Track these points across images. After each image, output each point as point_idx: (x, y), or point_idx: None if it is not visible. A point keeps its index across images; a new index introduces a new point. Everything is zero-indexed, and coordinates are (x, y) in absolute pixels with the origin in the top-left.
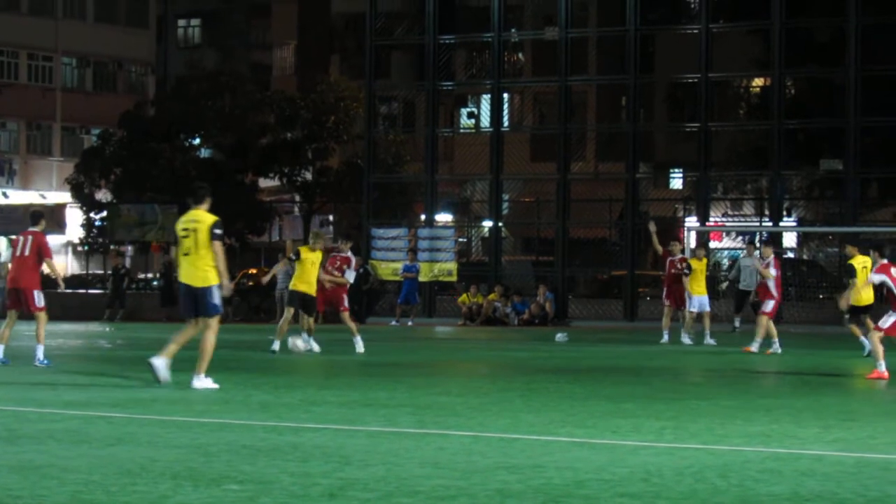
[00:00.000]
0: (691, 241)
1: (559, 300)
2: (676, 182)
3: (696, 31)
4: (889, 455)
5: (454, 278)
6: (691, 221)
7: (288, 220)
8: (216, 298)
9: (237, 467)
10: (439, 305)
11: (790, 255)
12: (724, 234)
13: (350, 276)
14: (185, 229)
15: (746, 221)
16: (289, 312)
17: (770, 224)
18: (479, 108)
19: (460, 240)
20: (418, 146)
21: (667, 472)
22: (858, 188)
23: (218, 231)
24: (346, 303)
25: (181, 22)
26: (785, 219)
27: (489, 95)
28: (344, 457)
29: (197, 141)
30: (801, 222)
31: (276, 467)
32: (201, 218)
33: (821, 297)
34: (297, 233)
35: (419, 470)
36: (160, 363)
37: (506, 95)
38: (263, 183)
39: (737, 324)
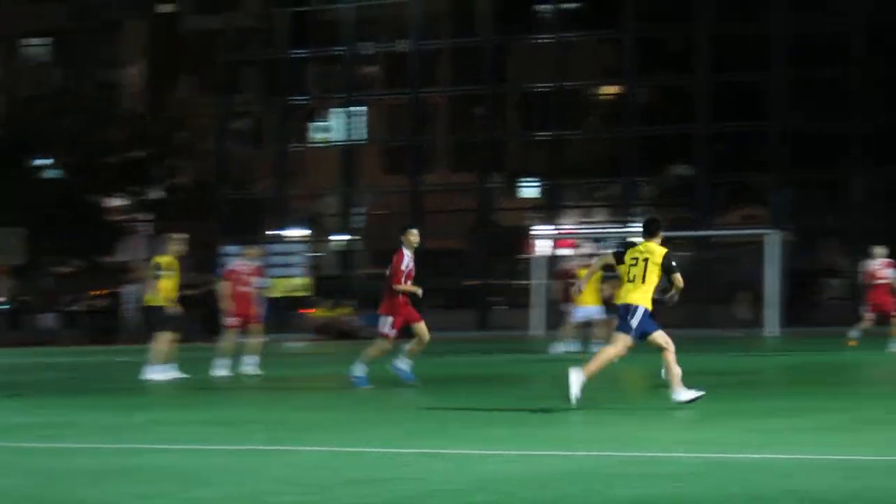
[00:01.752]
0: (543, 249)
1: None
2: (529, 191)
3: (548, 41)
4: (736, 454)
5: (307, 293)
6: (543, 229)
7: (137, 239)
8: (634, 321)
9: (80, 491)
10: (292, 321)
11: None
12: (576, 242)
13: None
14: (634, 258)
15: (599, 228)
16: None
17: (622, 230)
18: (331, 121)
19: (314, 254)
20: (270, 162)
21: (515, 479)
22: (709, 193)
23: (673, 264)
24: None
25: (29, 41)
26: (637, 224)
27: (341, 109)
28: (190, 476)
29: (43, 161)
30: None
31: (120, 490)
32: (652, 250)
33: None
34: (147, 252)
35: (269, 486)
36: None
37: (358, 108)
38: (112, 202)
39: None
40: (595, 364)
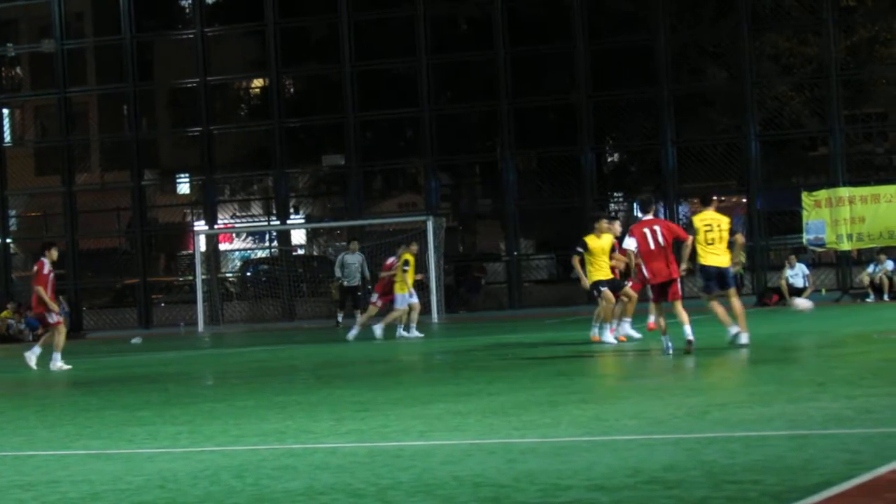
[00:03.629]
0: (201, 245)
1: (74, 312)
2: (183, 187)
3: (191, 36)
4: (400, 442)
5: None
6: (200, 225)
7: None
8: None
9: None
10: None
11: (300, 251)
12: (234, 236)
13: None
14: (709, 225)
15: (255, 222)
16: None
17: (278, 223)
18: None
19: None
20: None
21: (182, 476)
22: (362, 182)
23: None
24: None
25: None
26: (293, 216)
27: None
28: None
29: None
30: (308, 219)
31: None
32: (719, 217)
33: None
34: None
35: None
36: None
37: (6, 110)
38: None
39: (339, 318)
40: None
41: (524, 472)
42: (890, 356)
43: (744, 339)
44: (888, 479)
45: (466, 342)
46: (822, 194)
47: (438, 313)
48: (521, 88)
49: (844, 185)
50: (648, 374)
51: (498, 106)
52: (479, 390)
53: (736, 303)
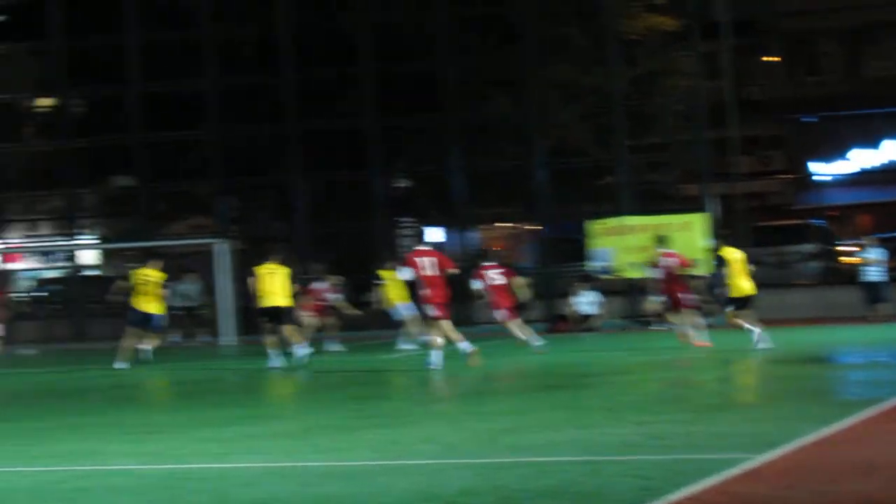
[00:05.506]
0: None
1: None
2: None
3: None
4: (195, 465)
5: None
6: None
7: None
8: None
9: None
10: None
11: (96, 272)
12: (24, 256)
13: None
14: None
15: (46, 241)
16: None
17: (69, 242)
18: None
19: None
20: None
21: None
22: (151, 203)
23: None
24: None
25: None
26: (83, 236)
27: None
28: None
29: None
30: (100, 239)
31: None
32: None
33: None
34: None
35: None
36: None
37: None
38: None
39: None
40: None
41: (319, 496)
42: (676, 383)
43: None
44: None
45: (260, 364)
46: (610, 223)
47: (232, 336)
48: (309, 112)
49: (630, 213)
50: (439, 399)
51: (286, 129)
52: (271, 413)
53: None
